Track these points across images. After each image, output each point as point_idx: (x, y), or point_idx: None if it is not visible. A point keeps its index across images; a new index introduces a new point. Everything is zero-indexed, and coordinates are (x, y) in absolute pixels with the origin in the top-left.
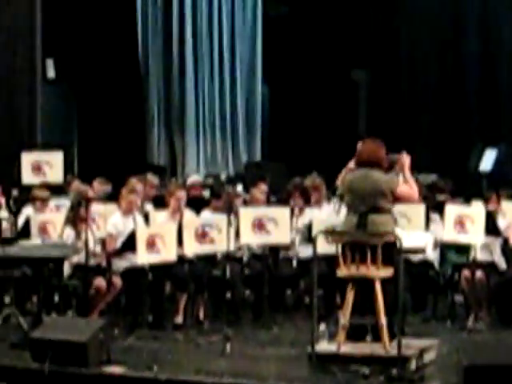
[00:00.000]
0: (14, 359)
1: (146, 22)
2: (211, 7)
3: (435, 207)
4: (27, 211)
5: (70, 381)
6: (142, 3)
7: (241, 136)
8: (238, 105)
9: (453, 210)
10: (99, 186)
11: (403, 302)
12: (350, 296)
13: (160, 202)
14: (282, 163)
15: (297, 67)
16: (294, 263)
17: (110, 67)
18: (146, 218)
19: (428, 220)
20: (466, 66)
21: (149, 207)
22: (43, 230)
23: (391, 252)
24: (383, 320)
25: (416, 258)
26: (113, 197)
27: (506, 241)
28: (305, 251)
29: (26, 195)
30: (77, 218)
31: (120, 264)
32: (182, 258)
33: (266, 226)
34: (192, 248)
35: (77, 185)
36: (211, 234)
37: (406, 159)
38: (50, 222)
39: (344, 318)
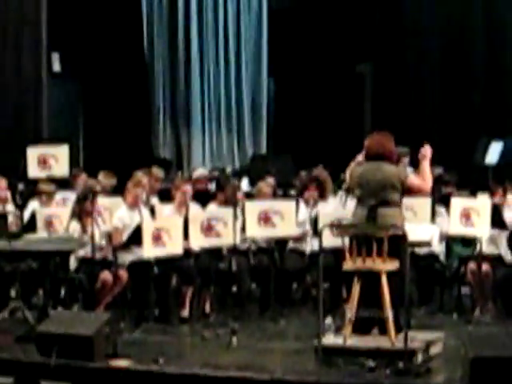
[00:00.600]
0: (20, 353)
1: (151, 15)
2: (217, 0)
3: (441, 200)
4: (33, 205)
5: (76, 374)
6: None
7: (247, 129)
8: (243, 98)
9: (459, 202)
10: (104, 179)
11: (409, 294)
12: (356, 289)
13: (166, 196)
14: (287, 156)
15: (302, 60)
16: (307, 255)
17: (115, 61)
18: (152, 211)
19: (434, 213)
20: (471, 58)
21: (155, 200)
22: (49, 223)
23: (397, 245)
24: (389, 313)
25: (422, 250)
26: (118, 190)
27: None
28: (313, 244)
29: (32, 189)
30: (83, 211)
31: (126, 257)
32: (187, 252)
33: (271, 219)
34: (198, 241)
35: (84, 178)
36: (217, 227)
37: (427, 151)
38: (55, 216)
39: (350, 311)
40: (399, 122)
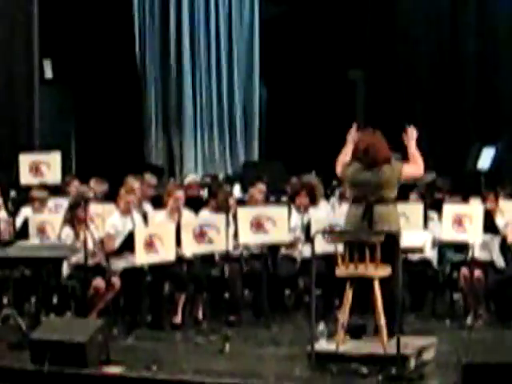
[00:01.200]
0: (12, 360)
1: (143, 23)
2: (208, 8)
3: (433, 206)
4: (25, 212)
5: (69, 381)
6: (139, 4)
7: (238, 136)
8: (235, 104)
9: (451, 208)
10: (95, 186)
11: (402, 300)
12: (349, 295)
13: (158, 202)
14: (279, 163)
15: (294, 67)
16: (298, 262)
17: (107, 68)
18: (145, 217)
19: (426, 219)
20: (463, 64)
21: (147, 207)
22: (41, 230)
23: (390, 251)
24: (382, 319)
25: (414, 256)
26: (111, 197)
27: (504, 239)
28: (304, 250)
29: (25, 196)
30: (75, 218)
31: (119, 264)
32: (180, 258)
33: (264, 225)
34: (191, 248)
35: (76, 185)
36: (210, 233)
37: (412, 132)
38: (48, 223)
39: (343, 317)
40: (391, 127)
